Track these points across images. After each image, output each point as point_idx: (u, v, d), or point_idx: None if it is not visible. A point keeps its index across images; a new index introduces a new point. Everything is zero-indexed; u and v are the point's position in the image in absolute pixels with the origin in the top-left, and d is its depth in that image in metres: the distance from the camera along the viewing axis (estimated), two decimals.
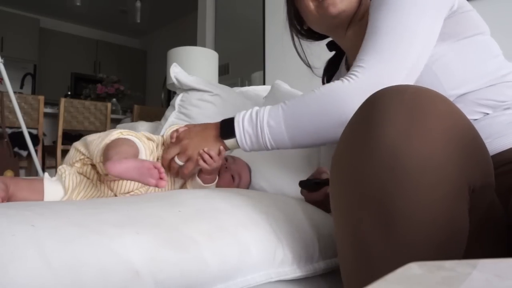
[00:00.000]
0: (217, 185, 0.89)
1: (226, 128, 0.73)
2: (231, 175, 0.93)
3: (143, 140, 0.77)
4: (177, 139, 0.76)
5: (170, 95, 4.71)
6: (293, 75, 2.29)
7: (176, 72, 1.41)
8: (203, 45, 3.01)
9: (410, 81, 0.64)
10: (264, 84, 2.50)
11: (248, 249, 0.53)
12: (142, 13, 4.61)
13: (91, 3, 5.08)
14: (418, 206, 0.38)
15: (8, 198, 0.62)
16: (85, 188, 0.71)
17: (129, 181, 0.72)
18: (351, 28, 0.79)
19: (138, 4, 4.53)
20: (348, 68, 0.89)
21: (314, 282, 0.61)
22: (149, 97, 6.23)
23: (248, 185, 1.01)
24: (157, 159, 0.79)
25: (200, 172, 0.78)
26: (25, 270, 0.37)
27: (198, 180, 0.78)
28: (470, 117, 0.62)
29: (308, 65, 0.94)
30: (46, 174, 0.72)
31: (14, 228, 0.41)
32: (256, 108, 0.72)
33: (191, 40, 3.60)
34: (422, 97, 0.41)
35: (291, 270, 0.57)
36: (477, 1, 1.56)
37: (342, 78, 0.66)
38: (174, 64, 1.45)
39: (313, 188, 0.78)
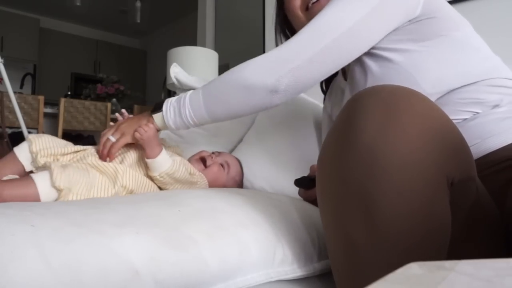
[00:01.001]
0: (209, 177, 0.90)
1: (158, 106, 0.78)
2: (219, 164, 0.95)
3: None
4: (116, 124, 0.82)
5: (170, 95, 4.71)
6: None
7: (176, 72, 1.42)
8: (203, 45, 3.01)
9: (316, 67, 0.67)
10: None
11: (247, 249, 0.53)
12: (142, 13, 4.61)
13: (91, 3, 5.08)
14: (396, 199, 0.39)
15: None
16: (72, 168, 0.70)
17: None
18: None
19: (138, 4, 4.53)
20: (344, 72, 0.90)
21: (314, 281, 0.61)
22: (149, 97, 6.23)
23: (241, 177, 1.02)
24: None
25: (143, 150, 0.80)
26: (25, 270, 0.37)
27: (146, 160, 0.79)
28: (458, 117, 0.63)
29: None
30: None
31: (14, 228, 0.41)
32: (186, 94, 0.76)
33: (191, 40, 3.60)
34: (399, 95, 0.42)
35: (291, 270, 0.57)
36: (477, 1, 1.56)
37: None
38: (174, 64, 1.45)
39: (308, 186, 0.78)
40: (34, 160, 0.75)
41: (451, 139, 0.43)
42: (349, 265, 0.43)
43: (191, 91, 0.75)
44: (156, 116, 0.77)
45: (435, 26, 0.67)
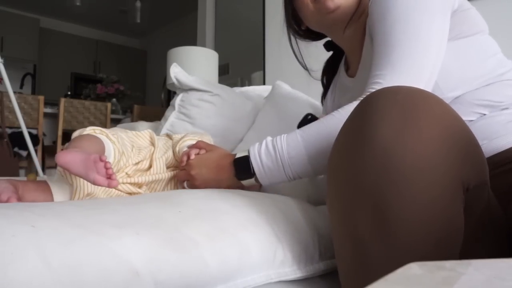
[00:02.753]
0: None
1: (243, 168, 0.69)
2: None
3: (117, 142, 0.71)
4: (187, 164, 0.75)
5: (170, 95, 4.71)
6: (293, 75, 2.29)
7: (176, 72, 1.42)
8: (203, 45, 3.01)
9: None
10: (264, 84, 2.50)
11: (248, 250, 0.53)
12: (142, 13, 4.61)
13: (91, 3, 5.08)
14: (412, 205, 0.38)
15: (19, 199, 0.61)
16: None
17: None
18: (349, 27, 0.77)
19: (138, 4, 4.53)
20: (347, 68, 0.89)
21: (314, 283, 0.61)
22: (149, 97, 6.23)
23: None
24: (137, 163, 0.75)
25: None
26: (25, 270, 0.37)
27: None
28: (466, 118, 0.62)
29: (305, 68, 0.94)
30: (45, 176, 0.72)
31: (14, 229, 0.41)
32: (269, 138, 0.69)
33: (191, 40, 3.59)
34: (416, 97, 0.42)
35: (291, 271, 0.57)
36: (477, 0, 1.56)
37: (359, 98, 0.63)
38: (174, 64, 1.45)
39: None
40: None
41: (467, 144, 0.42)
42: (358, 269, 0.42)
43: (285, 145, 0.65)
44: (247, 182, 0.70)
45: (466, 23, 0.66)
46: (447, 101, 0.63)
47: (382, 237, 0.40)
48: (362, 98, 0.61)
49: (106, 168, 0.55)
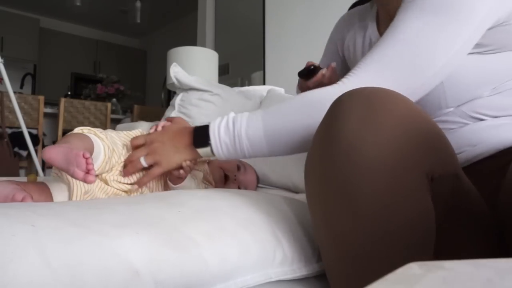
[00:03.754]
0: None
1: (200, 137, 0.68)
2: (237, 186, 0.91)
3: (106, 139, 0.70)
4: (148, 139, 0.72)
5: (170, 95, 4.71)
6: (293, 75, 2.29)
7: (176, 72, 1.42)
8: (203, 45, 3.01)
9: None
10: (264, 84, 2.50)
11: (247, 249, 0.53)
12: (142, 13, 4.62)
13: (91, 3, 5.08)
14: (379, 192, 0.42)
15: (32, 198, 0.61)
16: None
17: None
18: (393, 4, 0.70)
19: (138, 4, 4.54)
20: (378, 23, 0.82)
21: (314, 282, 0.61)
22: (149, 97, 6.23)
23: None
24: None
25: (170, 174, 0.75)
26: (25, 270, 0.37)
27: (170, 183, 0.75)
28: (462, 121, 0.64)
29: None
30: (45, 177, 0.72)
31: (14, 228, 0.41)
32: (232, 114, 0.68)
33: (191, 40, 3.60)
34: (378, 96, 0.45)
35: (291, 270, 0.57)
36: None
37: (334, 84, 0.62)
38: (174, 64, 1.45)
39: (309, 76, 0.83)
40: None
41: (430, 137, 0.45)
42: (339, 259, 0.45)
43: (245, 123, 0.64)
44: (203, 151, 0.68)
45: (504, 38, 0.59)
46: (447, 111, 0.65)
47: (354, 223, 0.43)
48: (329, 87, 0.63)
49: (87, 164, 0.55)
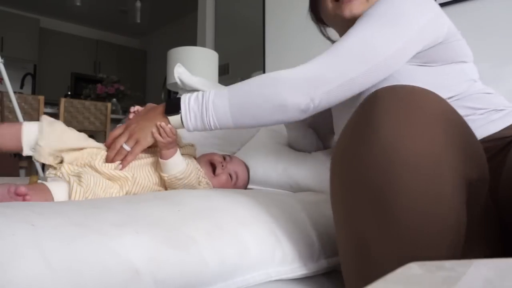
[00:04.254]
0: (215, 185, 0.89)
1: (172, 106, 0.73)
2: (228, 174, 0.93)
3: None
4: (126, 126, 0.77)
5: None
6: None
7: (179, 73, 1.41)
8: (203, 45, 3.01)
9: (350, 89, 0.68)
10: None
11: (247, 248, 0.53)
12: (142, 13, 4.61)
13: (91, 3, 5.08)
14: (417, 197, 0.39)
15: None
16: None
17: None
18: None
19: (138, 4, 4.53)
20: None
21: (314, 281, 0.61)
22: (149, 97, 6.22)
23: (247, 183, 1.01)
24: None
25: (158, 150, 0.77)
26: (24, 269, 0.37)
27: (160, 160, 0.77)
28: None
29: (330, 39, 0.99)
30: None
31: (14, 228, 0.41)
32: (202, 92, 0.74)
33: (191, 40, 3.60)
34: (418, 94, 0.43)
35: (291, 269, 0.57)
36: (477, 1, 1.56)
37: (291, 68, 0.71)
38: (178, 64, 1.44)
39: None
40: (37, 151, 0.71)
41: (468, 139, 0.43)
42: (360, 267, 0.43)
43: (213, 94, 0.72)
44: (173, 119, 0.73)
45: (450, 53, 0.71)
46: None
47: (385, 230, 0.40)
48: (288, 69, 0.69)
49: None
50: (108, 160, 0.74)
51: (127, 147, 0.74)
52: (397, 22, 0.67)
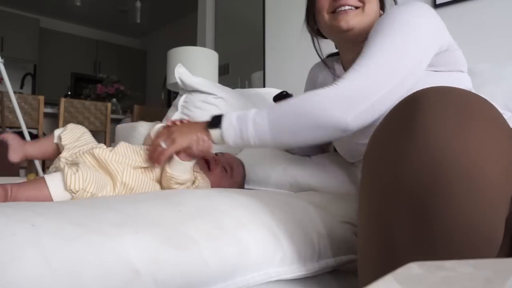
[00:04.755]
0: (211, 179, 0.90)
1: (214, 121, 0.77)
2: (222, 167, 0.95)
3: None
4: (168, 128, 0.80)
5: (170, 95, 4.71)
6: (293, 75, 2.29)
7: (180, 73, 1.40)
8: (203, 45, 3.01)
9: (386, 105, 0.69)
10: (264, 84, 2.50)
11: (247, 249, 0.53)
12: (142, 13, 4.61)
13: (91, 3, 5.08)
14: (457, 212, 0.36)
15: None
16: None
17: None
18: (354, 50, 0.85)
19: (138, 4, 4.53)
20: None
21: (314, 281, 0.61)
22: (149, 97, 6.23)
23: (243, 176, 1.02)
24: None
25: (178, 152, 0.79)
26: (24, 269, 0.37)
27: (175, 157, 0.79)
28: None
29: (320, 57, 1.03)
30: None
31: (14, 228, 0.41)
32: (247, 111, 0.76)
33: (191, 40, 3.60)
34: (471, 100, 0.40)
35: (291, 270, 0.57)
36: (477, 1, 1.56)
37: (329, 86, 0.71)
38: (179, 64, 1.44)
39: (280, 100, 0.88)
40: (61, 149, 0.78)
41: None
42: (382, 267, 0.40)
43: (253, 112, 0.75)
44: (214, 132, 0.76)
45: (450, 61, 0.75)
46: None
47: (417, 239, 0.37)
48: (326, 87, 0.71)
49: None
50: (147, 156, 0.79)
51: (163, 145, 0.77)
52: (412, 33, 0.70)
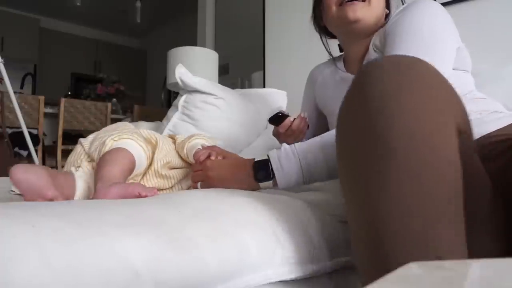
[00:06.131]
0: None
1: (261, 169, 0.72)
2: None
3: (139, 143, 0.78)
4: (203, 165, 0.78)
5: (170, 95, 4.71)
6: (293, 75, 2.29)
7: (181, 73, 1.41)
8: (203, 45, 3.01)
9: None
10: (264, 84, 2.50)
11: (247, 250, 0.53)
12: (142, 13, 4.62)
13: (91, 3, 5.08)
14: (407, 142, 0.40)
15: (65, 198, 0.64)
16: None
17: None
18: (360, 43, 0.88)
19: (138, 4, 4.54)
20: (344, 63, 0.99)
21: (314, 282, 0.61)
22: (149, 97, 6.23)
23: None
24: (151, 162, 0.82)
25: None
26: (25, 271, 0.37)
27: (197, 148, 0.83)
28: None
29: (330, 53, 1.04)
30: (73, 169, 0.74)
31: (15, 229, 0.41)
32: (287, 145, 0.73)
33: (191, 40, 3.59)
34: (413, 61, 0.45)
35: (291, 271, 0.57)
36: (477, 1, 1.56)
37: None
38: (180, 65, 1.44)
39: (277, 122, 0.90)
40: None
41: (456, 98, 0.46)
42: (366, 210, 0.42)
43: (306, 157, 0.70)
44: (266, 185, 0.74)
45: (459, 60, 0.76)
46: None
47: (386, 181, 0.40)
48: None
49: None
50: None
51: (199, 186, 0.78)
52: (447, 45, 0.74)
